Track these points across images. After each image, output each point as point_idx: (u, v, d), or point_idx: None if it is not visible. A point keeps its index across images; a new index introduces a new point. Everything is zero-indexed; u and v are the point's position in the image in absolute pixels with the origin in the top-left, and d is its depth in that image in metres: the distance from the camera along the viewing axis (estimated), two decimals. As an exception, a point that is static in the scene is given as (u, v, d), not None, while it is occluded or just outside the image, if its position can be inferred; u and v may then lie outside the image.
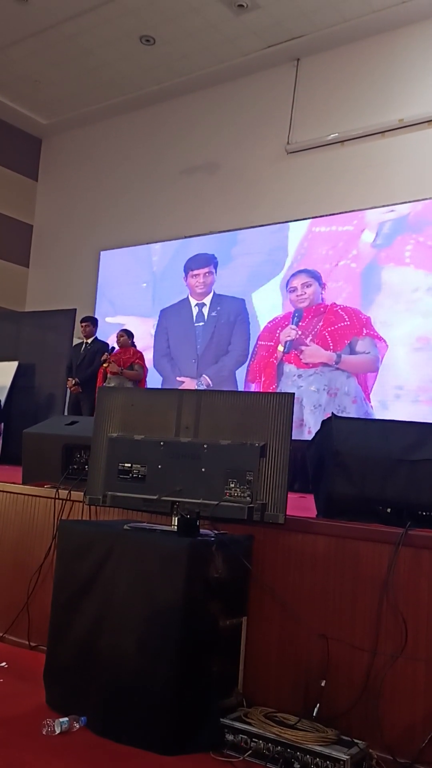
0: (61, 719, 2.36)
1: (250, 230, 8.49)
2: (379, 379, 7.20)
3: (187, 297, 8.95)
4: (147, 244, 9.44)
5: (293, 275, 7.99)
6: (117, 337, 7.69)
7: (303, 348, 7.69)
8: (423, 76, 7.62)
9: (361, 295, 7.44)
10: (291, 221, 8.14)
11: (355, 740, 2.24)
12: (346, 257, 7.59)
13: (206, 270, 8.82)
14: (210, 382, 8.51)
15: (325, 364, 7.55)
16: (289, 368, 7.85)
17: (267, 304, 8.22)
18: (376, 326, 7.29)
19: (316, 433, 3.04)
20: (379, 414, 6.99)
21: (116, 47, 8.72)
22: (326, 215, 7.85)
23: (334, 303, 7.63)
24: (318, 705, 2.39)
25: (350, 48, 8.09)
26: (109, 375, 7.31)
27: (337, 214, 7.76)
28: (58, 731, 2.32)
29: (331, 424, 2.84)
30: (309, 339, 7.67)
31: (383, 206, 7.44)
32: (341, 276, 7.60)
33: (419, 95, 7.59)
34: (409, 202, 7.27)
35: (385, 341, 7.26)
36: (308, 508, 3.01)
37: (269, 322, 8.12)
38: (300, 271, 7.94)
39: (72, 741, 2.30)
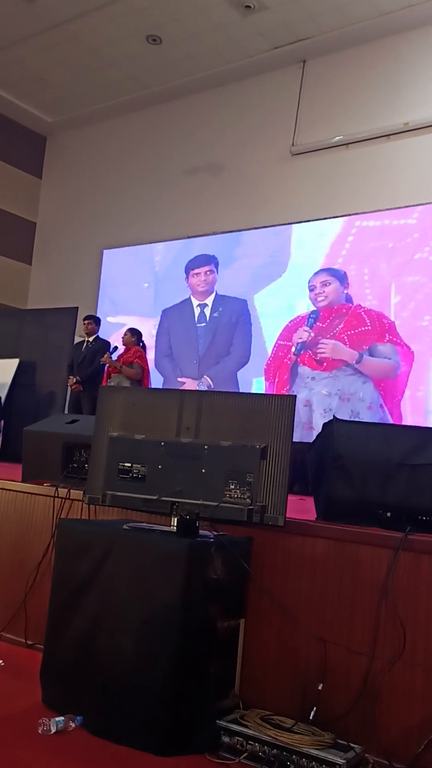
0: (57, 718, 2.35)
1: (252, 231, 8.48)
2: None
3: (189, 297, 8.95)
4: (150, 243, 9.44)
5: (315, 274, 7.91)
6: (123, 335, 7.71)
7: (324, 342, 7.54)
8: (429, 80, 7.61)
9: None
10: (295, 223, 8.14)
11: (352, 744, 2.24)
12: (421, 250, 7.21)
13: (207, 268, 8.81)
14: (211, 383, 8.51)
15: (343, 367, 7.46)
16: (303, 370, 7.77)
17: (269, 306, 8.20)
18: None
19: (317, 436, 3.04)
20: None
21: (122, 46, 8.72)
22: (330, 217, 7.84)
23: (359, 305, 7.50)
24: (315, 708, 2.39)
25: (356, 51, 8.09)
26: (111, 374, 7.33)
27: (343, 216, 7.75)
28: (53, 730, 2.32)
29: (332, 427, 2.84)
30: (322, 340, 7.57)
31: (387, 209, 7.43)
32: (419, 270, 7.20)
33: (425, 99, 7.58)
34: (415, 205, 7.26)
35: (410, 349, 7.08)
36: (308, 511, 3.01)
37: (290, 321, 8.01)
38: (322, 270, 7.87)
39: (68, 740, 2.29)
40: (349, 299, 7.66)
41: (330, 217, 7.84)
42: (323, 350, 7.57)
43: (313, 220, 7.99)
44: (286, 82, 8.60)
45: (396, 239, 7.37)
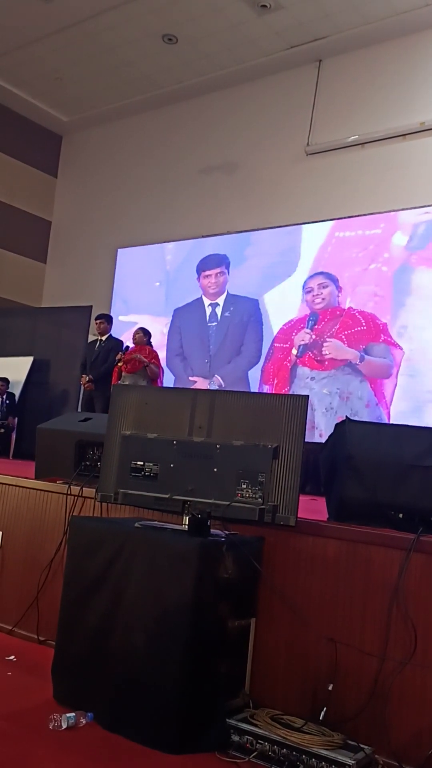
0: (68, 714, 2.36)
1: (263, 231, 8.49)
2: (410, 383, 7.09)
3: (201, 297, 8.96)
4: (164, 242, 9.45)
5: (311, 276, 7.97)
6: (133, 334, 7.70)
7: (327, 341, 7.59)
8: (445, 79, 7.57)
9: (392, 298, 7.35)
10: (310, 223, 8.12)
11: (362, 745, 2.24)
12: (377, 260, 7.49)
13: (218, 270, 8.82)
14: (222, 383, 8.51)
15: (342, 366, 7.50)
16: (302, 371, 7.83)
17: (280, 306, 8.21)
18: (408, 329, 7.18)
19: (330, 436, 3.03)
20: (411, 419, 6.86)
21: (139, 46, 8.74)
22: (345, 217, 7.82)
23: (351, 307, 7.59)
24: (325, 709, 2.39)
25: (372, 50, 8.06)
26: (123, 373, 7.34)
27: (357, 216, 7.73)
28: (64, 726, 2.33)
29: (344, 427, 2.83)
30: (326, 339, 7.62)
31: (403, 209, 7.40)
32: (371, 279, 7.50)
33: (441, 99, 7.54)
34: (430, 206, 7.22)
35: (401, 348, 7.19)
36: (320, 511, 3.00)
37: (285, 324, 8.10)
38: (317, 273, 7.92)
39: (78, 736, 2.31)
40: (338, 303, 7.70)
41: (345, 217, 7.82)
42: (327, 351, 7.61)
43: (328, 220, 7.96)
44: (301, 82, 8.58)
45: (412, 239, 7.36)
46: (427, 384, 6.99)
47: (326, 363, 7.64)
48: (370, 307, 7.50)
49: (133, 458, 2.72)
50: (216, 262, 8.86)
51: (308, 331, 7.80)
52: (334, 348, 7.58)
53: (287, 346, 7.99)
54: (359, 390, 7.37)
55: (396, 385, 7.20)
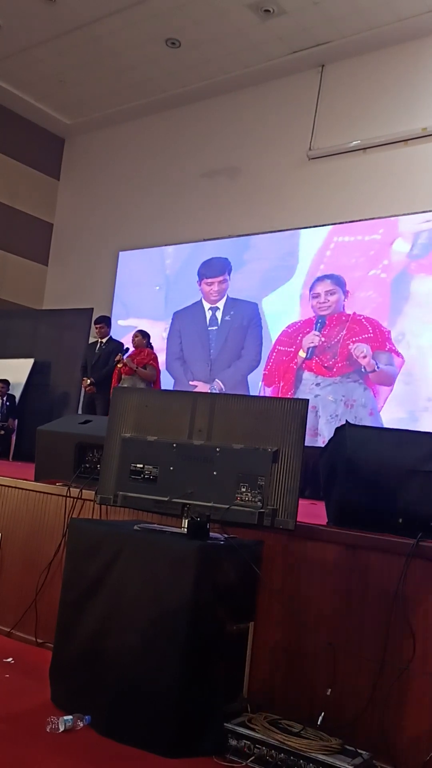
0: (65, 717, 2.36)
1: (262, 235, 8.50)
2: (407, 390, 7.09)
3: (201, 300, 8.96)
4: (166, 246, 9.46)
5: (317, 280, 7.94)
6: (132, 337, 7.70)
7: (361, 345, 7.54)
8: (448, 85, 7.59)
9: (390, 304, 7.35)
10: (312, 227, 8.13)
11: (360, 750, 2.23)
12: (376, 267, 7.49)
13: (220, 278, 8.82)
14: (223, 386, 8.50)
15: (348, 373, 7.48)
16: (308, 375, 7.80)
17: (278, 310, 8.20)
18: (406, 336, 7.18)
19: (329, 441, 3.03)
20: (408, 426, 6.84)
21: (142, 50, 8.76)
22: (347, 222, 7.82)
23: (356, 313, 7.56)
24: (323, 713, 2.38)
25: (375, 55, 8.08)
26: (123, 375, 7.33)
27: (359, 221, 7.73)
28: (62, 729, 2.32)
29: (344, 431, 2.83)
30: (335, 342, 7.62)
31: (405, 214, 7.41)
32: (370, 285, 7.51)
33: (443, 105, 7.56)
34: (430, 211, 7.24)
35: (402, 357, 7.19)
36: (319, 515, 3.00)
37: (288, 327, 8.07)
38: (325, 277, 7.88)
39: (75, 739, 2.30)
40: (344, 308, 7.71)
41: (346, 222, 7.83)
42: (363, 353, 7.51)
43: (330, 224, 7.97)
44: (304, 87, 8.60)
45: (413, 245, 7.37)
46: (424, 391, 6.98)
47: (334, 369, 7.60)
48: (368, 313, 7.50)
49: (132, 461, 2.72)
50: (219, 270, 8.84)
51: (317, 333, 7.78)
52: (360, 351, 7.50)
53: (292, 349, 7.96)
54: (363, 398, 7.35)
55: (391, 392, 7.21)
